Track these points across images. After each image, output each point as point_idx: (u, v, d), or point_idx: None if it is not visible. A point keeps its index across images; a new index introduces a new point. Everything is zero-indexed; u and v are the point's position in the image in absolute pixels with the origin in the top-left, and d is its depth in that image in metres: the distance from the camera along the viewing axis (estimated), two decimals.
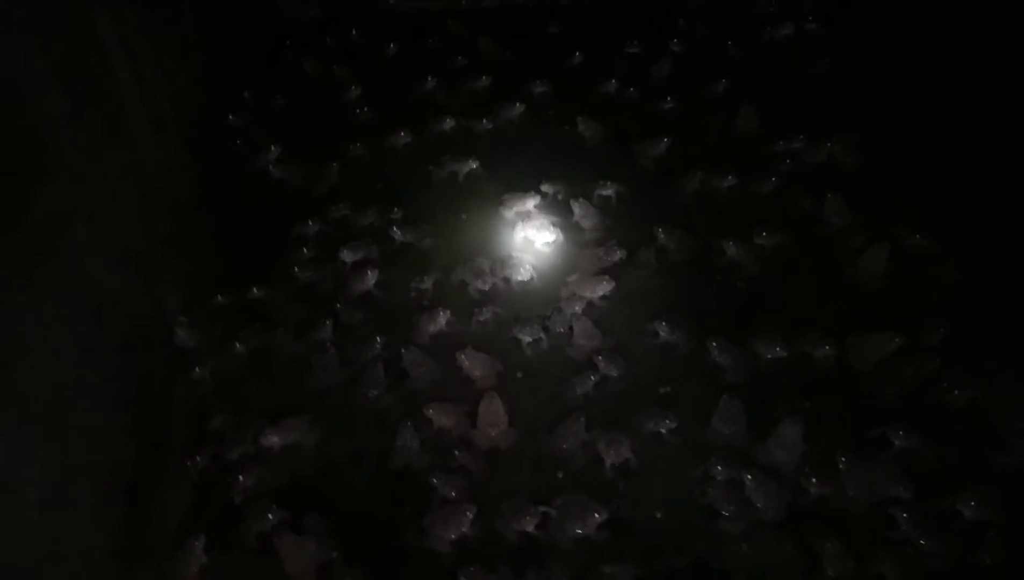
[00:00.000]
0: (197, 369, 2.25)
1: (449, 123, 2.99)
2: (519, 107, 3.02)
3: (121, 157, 2.16)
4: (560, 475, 2.02)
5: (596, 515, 1.89)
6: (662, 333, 2.29)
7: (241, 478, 1.98)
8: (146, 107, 2.32)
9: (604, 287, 2.39)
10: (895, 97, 2.83)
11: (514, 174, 2.81)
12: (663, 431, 2.08)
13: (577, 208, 2.63)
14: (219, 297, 2.43)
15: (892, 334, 2.19)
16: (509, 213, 2.68)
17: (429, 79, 3.16)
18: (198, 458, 2.04)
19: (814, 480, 1.95)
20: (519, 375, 2.24)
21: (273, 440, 2.07)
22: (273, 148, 2.90)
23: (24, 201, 1.64)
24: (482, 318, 2.36)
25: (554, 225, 2.61)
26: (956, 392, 2.09)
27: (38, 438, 1.58)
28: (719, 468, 1.97)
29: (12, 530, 1.47)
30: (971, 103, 2.35)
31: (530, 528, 1.90)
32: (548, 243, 2.58)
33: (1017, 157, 2.18)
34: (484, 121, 3.00)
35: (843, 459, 1.96)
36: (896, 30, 2.82)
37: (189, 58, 2.74)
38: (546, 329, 2.33)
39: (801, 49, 3.24)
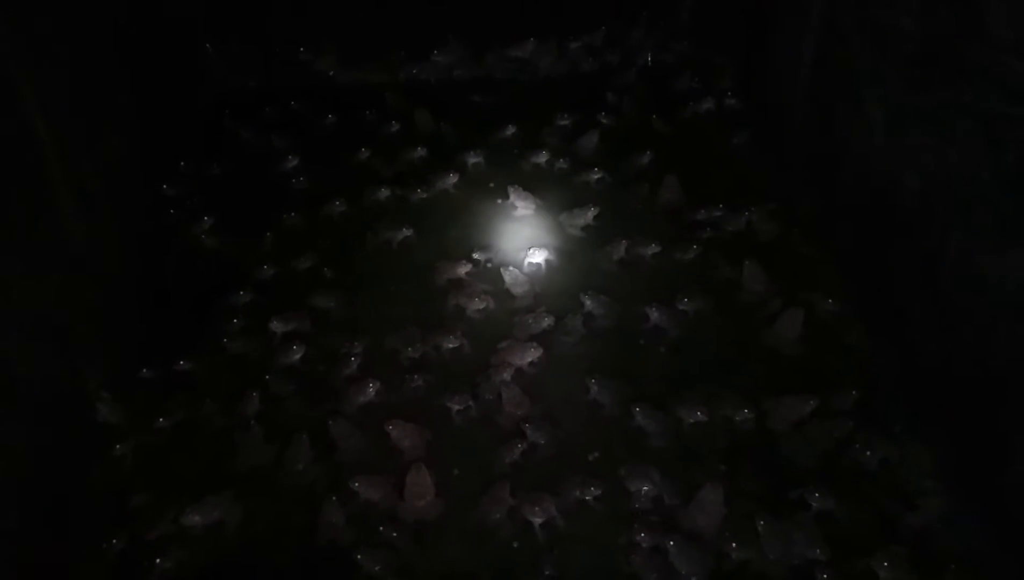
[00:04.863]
0: (118, 446, 2.20)
1: (384, 192, 3.05)
2: (453, 177, 3.10)
3: (41, 229, 2.14)
4: (487, 546, 2.02)
5: None
6: (592, 392, 2.33)
7: (159, 560, 1.93)
8: (71, 178, 2.31)
9: (533, 354, 2.44)
10: (806, 169, 3.00)
11: (447, 242, 2.87)
12: (588, 498, 2.10)
13: (507, 275, 2.69)
14: (144, 370, 2.39)
15: (807, 397, 2.28)
16: (441, 280, 2.72)
17: (364, 149, 3.23)
18: (114, 540, 1.98)
19: (734, 544, 1.99)
20: (448, 444, 2.24)
21: (195, 519, 2.02)
22: (206, 218, 2.91)
23: None
24: (412, 386, 2.38)
25: (485, 292, 2.66)
26: (868, 453, 2.17)
27: None
28: (643, 535, 2.00)
29: None
30: (875, 176, 2.50)
31: None
32: (479, 310, 2.62)
33: (915, 226, 2.31)
34: (419, 191, 3.07)
35: (762, 522, 2.01)
36: (803, 106, 2.99)
37: (123, 128, 2.75)
38: (475, 397, 2.35)
39: (721, 122, 3.42)
